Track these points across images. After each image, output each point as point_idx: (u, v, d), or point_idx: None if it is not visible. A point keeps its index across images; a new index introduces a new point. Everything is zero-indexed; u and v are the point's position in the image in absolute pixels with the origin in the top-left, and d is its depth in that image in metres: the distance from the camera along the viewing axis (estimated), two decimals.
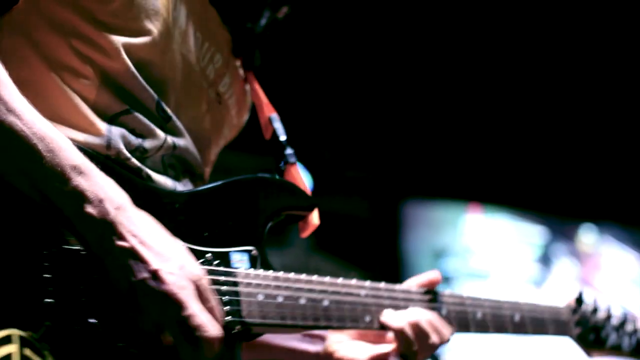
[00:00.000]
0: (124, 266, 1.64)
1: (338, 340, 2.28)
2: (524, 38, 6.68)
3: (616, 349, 2.72)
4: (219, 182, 1.96)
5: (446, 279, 7.51)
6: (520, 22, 6.55)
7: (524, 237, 7.75)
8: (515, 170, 7.45)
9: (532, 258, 7.74)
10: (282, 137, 2.24)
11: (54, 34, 1.82)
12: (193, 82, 2.05)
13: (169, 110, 1.96)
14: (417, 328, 2.16)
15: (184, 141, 2.01)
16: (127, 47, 1.87)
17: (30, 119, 1.60)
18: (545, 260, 7.77)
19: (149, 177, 1.91)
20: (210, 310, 1.69)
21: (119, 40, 1.85)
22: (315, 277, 2.01)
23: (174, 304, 1.65)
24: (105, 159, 1.80)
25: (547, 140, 7.44)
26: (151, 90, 1.92)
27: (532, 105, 7.21)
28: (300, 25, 6.30)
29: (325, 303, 2.01)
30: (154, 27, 1.91)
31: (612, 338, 2.71)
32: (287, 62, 6.42)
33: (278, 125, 2.27)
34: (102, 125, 1.83)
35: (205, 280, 1.71)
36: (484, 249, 7.58)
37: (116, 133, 1.85)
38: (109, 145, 1.83)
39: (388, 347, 2.23)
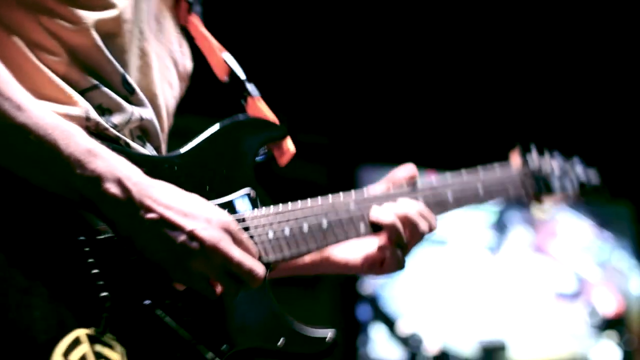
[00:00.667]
0: (160, 236, 1.69)
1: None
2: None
3: (563, 191, 2.88)
4: (203, 137, 2.01)
5: None
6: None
7: None
8: (471, 137, 7.47)
9: (488, 225, 7.79)
10: (241, 74, 2.29)
11: (23, 12, 1.82)
12: (146, 49, 2.05)
13: (133, 83, 1.97)
14: (406, 218, 2.22)
15: (147, 112, 2.02)
16: (94, 21, 1.87)
17: (39, 113, 1.62)
18: (501, 227, 7.82)
19: (127, 144, 1.93)
20: (247, 251, 1.79)
21: (85, 14, 1.86)
22: (309, 201, 2.10)
23: (219, 257, 1.73)
24: (86, 131, 1.79)
25: (501, 108, 7.47)
26: (117, 64, 1.93)
27: (483, 70, 7.23)
28: None
29: (325, 224, 2.09)
30: None
31: (558, 183, 2.86)
32: (246, 23, 6.38)
33: (233, 63, 2.31)
34: (78, 98, 1.84)
35: (234, 224, 1.80)
36: (440, 215, 7.59)
37: (90, 106, 1.86)
38: (87, 117, 1.84)
39: (377, 241, 2.26)
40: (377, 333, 7.27)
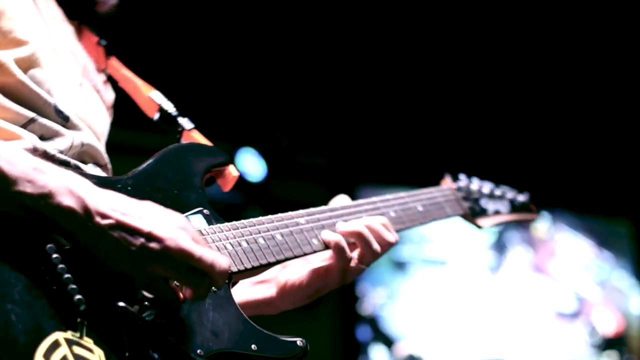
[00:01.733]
0: (118, 242, 1.69)
1: (285, 270, 2.34)
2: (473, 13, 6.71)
3: (497, 213, 2.92)
4: (152, 159, 2.04)
5: (402, 265, 7.55)
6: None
7: None
8: (468, 158, 7.48)
9: (487, 245, 7.80)
10: (171, 109, 2.34)
11: None
12: (70, 76, 2.10)
13: (65, 111, 2.00)
14: (370, 228, 2.29)
15: (86, 136, 2.05)
16: (15, 61, 1.91)
17: None
18: (500, 247, 7.83)
19: (77, 167, 1.96)
20: (206, 246, 1.80)
21: (6, 54, 1.90)
22: (263, 217, 2.15)
23: (180, 254, 1.72)
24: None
25: (500, 129, 7.49)
26: (46, 96, 1.96)
27: (484, 93, 7.25)
28: (249, 5, 6.28)
29: (279, 237, 2.14)
30: (29, 33, 1.95)
31: (491, 205, 2.90)
32: (242, 47, 6.40)
33: (162, 100, 2.36)
34: (21, 132, 1.87)
35: (190, 225, 1.81)
36: (439, 236, 7.62)
37: (33, 137, 1.89)
38: (35, 147, 1.87)
39: (329, 258, 2.28)
40: (377, 354, 7.27)
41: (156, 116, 2.35)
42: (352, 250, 2.26)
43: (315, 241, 2.22)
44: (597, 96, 7.31)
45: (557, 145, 7.63)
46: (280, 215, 2.20)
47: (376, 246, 2.28)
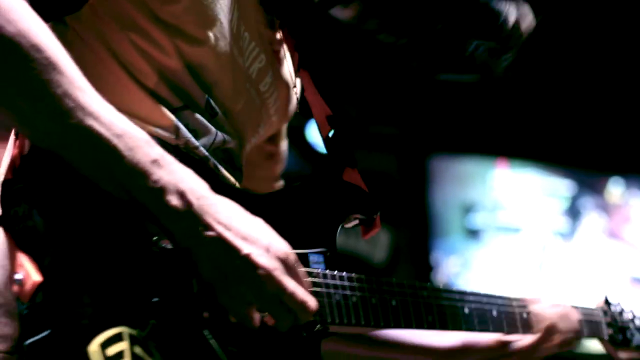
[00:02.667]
0: (214, 256, 1.65)
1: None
2: None
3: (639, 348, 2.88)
4: (292, 184, 2.01)
5: (476, 233, 7.54)
6: None
7: (551, 190, 7.75)
8: (542, 124, 7.43)
9: (561, 211, 7.75)
10: (345, 139, 2.26)
11: (116, 28, 1.84)
12: (237, 81, 2.06)
13: (216, 107, 1.99)
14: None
15: (229, 137, 2.04)
16: (182, 49, 1.89)
17: (108, 120, 1.59)
18: (574, 213, 7.77)
19: (216, 167, 1.95)
20: (300, 284, 1.74)
21: (175, 41, 1.88)
22: (384, 279, 2.05)
23: (271, 285, 1.68)
24: (175, 149, 1.82)
25: (573, 94, 7.41)
26: (201, 90, 1.95)
27: (557, 57, 7.17)
28: None
29: (393, 303, 2.05)
30: (211, 33, 1.92)
31: (637, 338, 2.85)
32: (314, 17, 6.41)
33: (338, 127, 2.28)
34: (170, 116, 1.87)
35: (292, 256, 1.75)
36: (513, 203, 7.58)
37: (180, 124, 1.89)
38: (177, 134, 1.87)
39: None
40: None
41: (327, 138, 2.27)
42: None
43: (430, 318, 2.14)
44: None
45: (632, 110, 7.54)
46: (403, 282, 2.11)
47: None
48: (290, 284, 1.71)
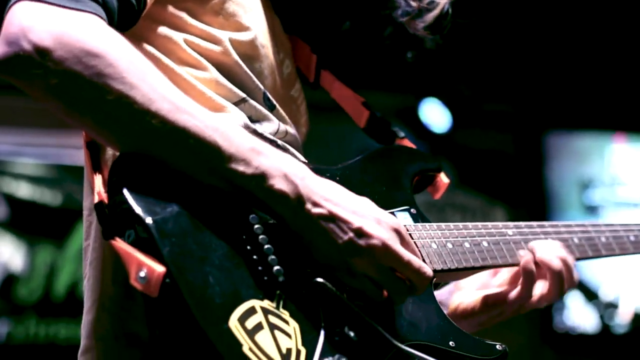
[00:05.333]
0: (327, 232, 1.69)
1: (459, 294, 2.32)
2: None
3: None
4: (361, 156, 2.06)
5: (594, 209, 7.44)
6: None
7: None
8: None
9: None
10: (384, 118, 2.33)
11: (168, 35, 1.88)
12: (277, 80, 2.10)
13: (273, 100, 2.02)
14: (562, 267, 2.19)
15: (290, 127, 2.07)
16: (232, 42, 1.92)
17: (200, 114, 1.64)
18: None
19: (285, 148, 1.97)
20: (414, 253, 1.78)
21: (225, 34, 1.92)
22: (470, 224, 2.13)
23: (387, 255, 1.72)
24: (262, 137, 1.86)
25: None
26: (257, 81, 1.97)
27: None
28: None
29: (485, 244, 2.10)
30: (251, 23, 1.97)
31: None
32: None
33: (373, 109, 2.34)
34: (232, 109, 1.90)
35: (403, 228, 1.78)
36: (632, 178, 7.46)
37: (243, 116, 1.92)
38: (246, 125, 1.89)
39: (506, 283, 2.27)
40: (573, 300, 7.21)
41: (366, 124, 2.35)
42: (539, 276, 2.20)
43: (522, 253, 2.15)
44: None
45: None
46: (486, 223, 2.18)
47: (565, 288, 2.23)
48: (406, 253, 1.74)
